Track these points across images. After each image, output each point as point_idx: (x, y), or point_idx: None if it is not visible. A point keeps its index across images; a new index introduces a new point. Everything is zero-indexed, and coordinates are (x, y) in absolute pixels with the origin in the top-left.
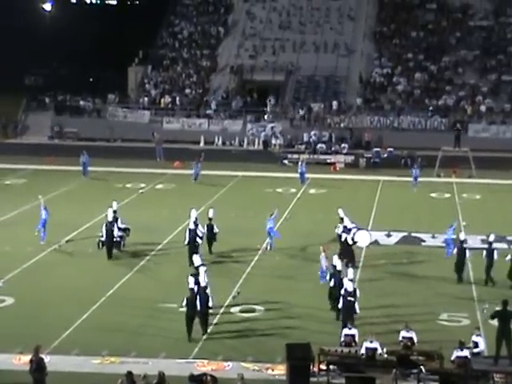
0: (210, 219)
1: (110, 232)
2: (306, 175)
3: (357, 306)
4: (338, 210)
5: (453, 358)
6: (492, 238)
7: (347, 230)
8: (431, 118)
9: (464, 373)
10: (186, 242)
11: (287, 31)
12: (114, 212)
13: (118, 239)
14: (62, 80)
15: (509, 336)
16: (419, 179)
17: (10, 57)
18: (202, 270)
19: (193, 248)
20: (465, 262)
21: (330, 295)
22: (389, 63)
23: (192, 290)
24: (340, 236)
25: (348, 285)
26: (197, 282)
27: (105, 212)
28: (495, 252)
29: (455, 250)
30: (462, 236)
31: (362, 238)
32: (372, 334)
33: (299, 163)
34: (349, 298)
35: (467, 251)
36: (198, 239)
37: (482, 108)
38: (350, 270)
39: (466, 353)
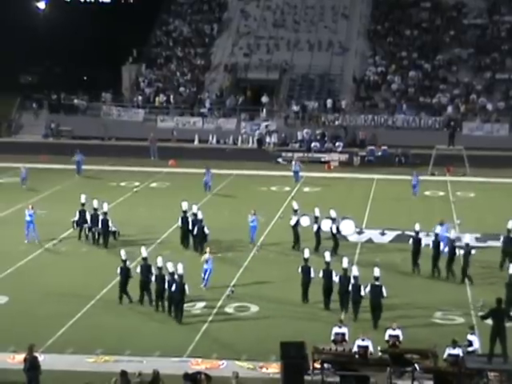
0: (185, 212)
1: (105, 222)
2: (300, 173)
3: (384, 289)
4: (292, 202)
5: (445, 356)
6: (438, 229)
7: (333, 220)
8: (425, 115)
9: (458, 371)
10: (195, 233)
11: (281, 29)
12: (83, 205)
13: (114, 228)
14: (56, 79)
15: (503, 334)
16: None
17: (3, 55)
18: (159, 260)
19: (202, 238)
20: (469, 260)
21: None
22: (383, 61)
23: (181, 276)
24: (294, 227)
25: (375, 271)
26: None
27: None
28: (441, 244)
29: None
30: (468, 238)
31: (347, 227)
32: (364, 332)
33: (293, 162)
34: (376, 283)
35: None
36: (205, 229)
37: (489, 106)
38: (345, 259)
39: (458, 351)
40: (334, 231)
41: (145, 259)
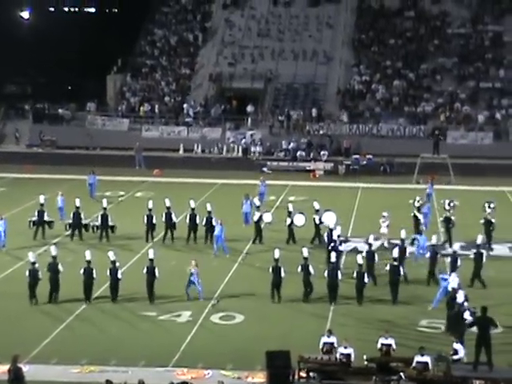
0: (168, 208)
1: (105, 217)
2: (265, 190)
3: (401, 269)
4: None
5: (414, 364)
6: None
7: (316, 212)
8: (409, 124)
9: (444, 379)
10: (204, 224)
11: (266, 39)
12: (41, 205)
13: (112, 223)
14: (40, 88)
15: (488, 342)
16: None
17: None
18: (110, 254)
19: (210, 230)
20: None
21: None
22: (367, 71)
23: (151, 260)
24: (256, 223)
25: (394, 252)
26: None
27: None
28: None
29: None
30: (479, 240)
31: (329, 219)
32: (346, 339)
33: (260, 183)
34: (395, 263)
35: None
36: (213, 221)
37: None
38: (333, 254)
39: (426, 358)
40: (317, 222)
41: (88, 262)
